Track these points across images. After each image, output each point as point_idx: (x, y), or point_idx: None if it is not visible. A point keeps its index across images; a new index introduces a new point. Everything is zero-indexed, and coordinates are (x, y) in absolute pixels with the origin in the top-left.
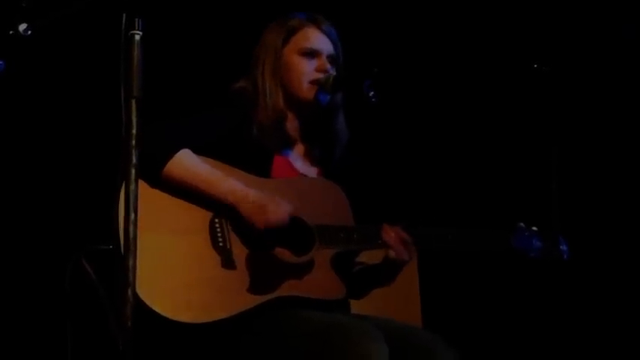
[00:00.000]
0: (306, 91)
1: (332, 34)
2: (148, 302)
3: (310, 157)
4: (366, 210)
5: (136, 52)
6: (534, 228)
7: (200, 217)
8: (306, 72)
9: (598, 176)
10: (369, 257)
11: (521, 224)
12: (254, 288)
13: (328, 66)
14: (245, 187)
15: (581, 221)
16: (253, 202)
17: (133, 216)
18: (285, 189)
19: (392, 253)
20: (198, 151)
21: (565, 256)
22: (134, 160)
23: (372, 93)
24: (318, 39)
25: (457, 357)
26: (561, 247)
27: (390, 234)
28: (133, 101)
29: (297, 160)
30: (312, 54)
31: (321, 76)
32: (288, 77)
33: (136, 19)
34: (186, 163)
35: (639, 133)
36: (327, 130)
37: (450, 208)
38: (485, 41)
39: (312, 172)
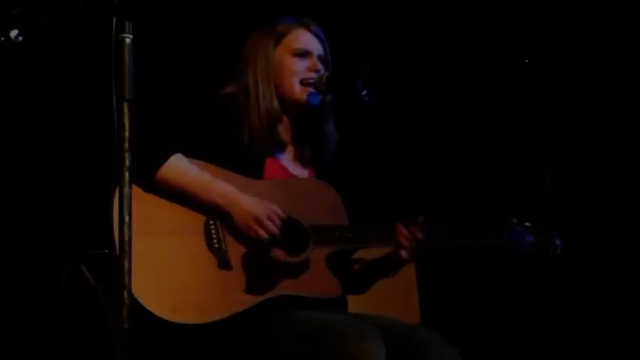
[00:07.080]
0: (299, 92)
1: (321, 35)
2: (144, 303)
3: (301, 158)
4: (359, 208)
5: (127, 55)
6: (527, 224)
7: (195, 219)
8: (299, 71)
9: (592, 171)
10: (364, 253)
11: (514, 220)
12: (250, 288)
13: (320, 65)
14: (236, 191)
15: (574, 216)
16: (247, 211)
17: (127, 219)
18: (277, 190)
19: (403, 254)
20: (188, 155)
21: (559, 251)
22: (127, 162)
23: (364, 92)
24: (309, 40)
25: (456, 354)
26: (555, 241)
27: (405, 234)
28: (125, 104)
29: (289, 162)
30: (304, 54)
31: (312, 75)
32: (280, 78)
33: (126, 23)
34: (179, 167)
35: (635, 128)
36: (317, 131)
37: (443, 204)
38: (477, 38)
39: (303, 173)
